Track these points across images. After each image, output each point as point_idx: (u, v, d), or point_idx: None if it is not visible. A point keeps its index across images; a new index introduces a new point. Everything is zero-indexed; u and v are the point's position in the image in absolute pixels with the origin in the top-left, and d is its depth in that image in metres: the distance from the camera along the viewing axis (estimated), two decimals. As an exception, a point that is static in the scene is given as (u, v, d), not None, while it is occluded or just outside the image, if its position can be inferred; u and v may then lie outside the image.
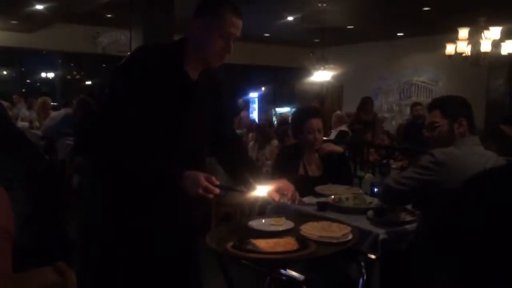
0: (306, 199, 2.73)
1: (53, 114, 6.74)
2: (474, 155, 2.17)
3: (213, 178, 1.68)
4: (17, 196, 1.97)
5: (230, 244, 1.61)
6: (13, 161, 2.05)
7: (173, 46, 1.84)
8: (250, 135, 7.02)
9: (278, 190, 1.87)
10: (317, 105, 8.47)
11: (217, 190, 1.67)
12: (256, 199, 1.88)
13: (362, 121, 6.41)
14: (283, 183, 1.91)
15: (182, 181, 1.66)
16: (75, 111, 5.86)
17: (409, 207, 2.54)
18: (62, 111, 6.53)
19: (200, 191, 1.63)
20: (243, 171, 1.93)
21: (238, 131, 7.67)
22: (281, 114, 11.20)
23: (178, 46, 1.82)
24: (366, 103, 6.66)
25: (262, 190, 1.80)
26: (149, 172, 1.69)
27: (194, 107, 1.83)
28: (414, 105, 6.94)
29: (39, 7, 7.45)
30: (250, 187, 1.84)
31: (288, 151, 3.29)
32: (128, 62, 1.81)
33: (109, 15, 8.60)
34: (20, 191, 2.25)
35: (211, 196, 1.67)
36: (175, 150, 1.81)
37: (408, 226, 2.37)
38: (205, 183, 1.64)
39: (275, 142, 5.44)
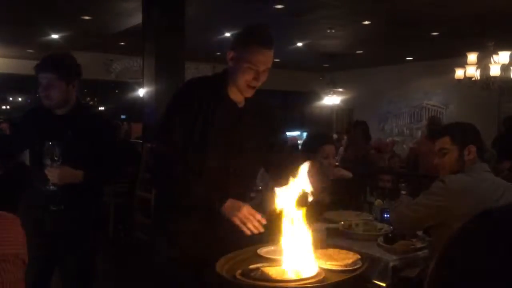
0: (315, 225, 2.72)
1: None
2: (485, 181, 2.17)
3: (258, 215, 1.81)
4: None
5: (239, 271, 1.62)
6: None
7: (218, 77, 1.99)
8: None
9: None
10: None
11: (256, 223, 1.80)
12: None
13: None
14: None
15: (224, 204, 1.81)
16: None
17: (420, 233, 2.52)
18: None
19: (237, 218, 1.79)
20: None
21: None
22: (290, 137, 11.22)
23: (221, 77, 1.96)
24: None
25: None
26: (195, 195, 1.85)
27: (244, 131, 1.95)
28: None
29: (55, 36, 7.67)
30: None
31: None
32: (179, 94, 2.00)
33: (122, 43, 8.80)
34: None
35: (246, 228, 1.80)
36: (227, 172, 1.93)
37: (419, 253, 2.35)
38: (245, 213, 1.78)
39: None
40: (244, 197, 2.03)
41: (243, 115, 1.97)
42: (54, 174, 2.20)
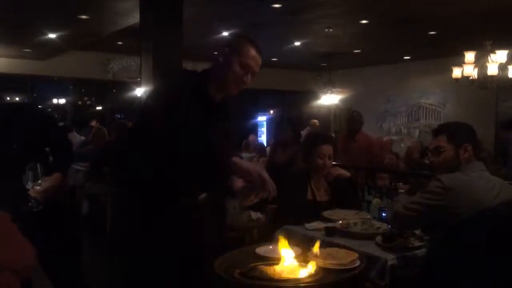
0: (314, 224, 2.73)
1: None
2: (481, 180, 2.18)
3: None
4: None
5: (237, 271, 1.62)
6: None
7: (200, 73, 2.06)
8: (262, 159, 7.05)
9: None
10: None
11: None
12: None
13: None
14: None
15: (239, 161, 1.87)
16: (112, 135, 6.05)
17: (418, 232, 2.53)
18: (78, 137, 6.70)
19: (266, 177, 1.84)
20: None
21: (245, 154, 7.70)
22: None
23: (204, 73, 2.04)
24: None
25: None
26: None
27: (217, 126, 1.99)
28: None
29: (52, 35, 7.64)
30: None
31: (296, 175, 3.30)
32: (159, 85, 2.07)
33: (119, 42, 8.77)
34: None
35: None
36: (202, 163, 1.92)
37: (417, 252, 2.36)
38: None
39: None
40: (224, 191, 2.09)
41: (217, 111, 2.02)
42: (42, 192, 2.09)
